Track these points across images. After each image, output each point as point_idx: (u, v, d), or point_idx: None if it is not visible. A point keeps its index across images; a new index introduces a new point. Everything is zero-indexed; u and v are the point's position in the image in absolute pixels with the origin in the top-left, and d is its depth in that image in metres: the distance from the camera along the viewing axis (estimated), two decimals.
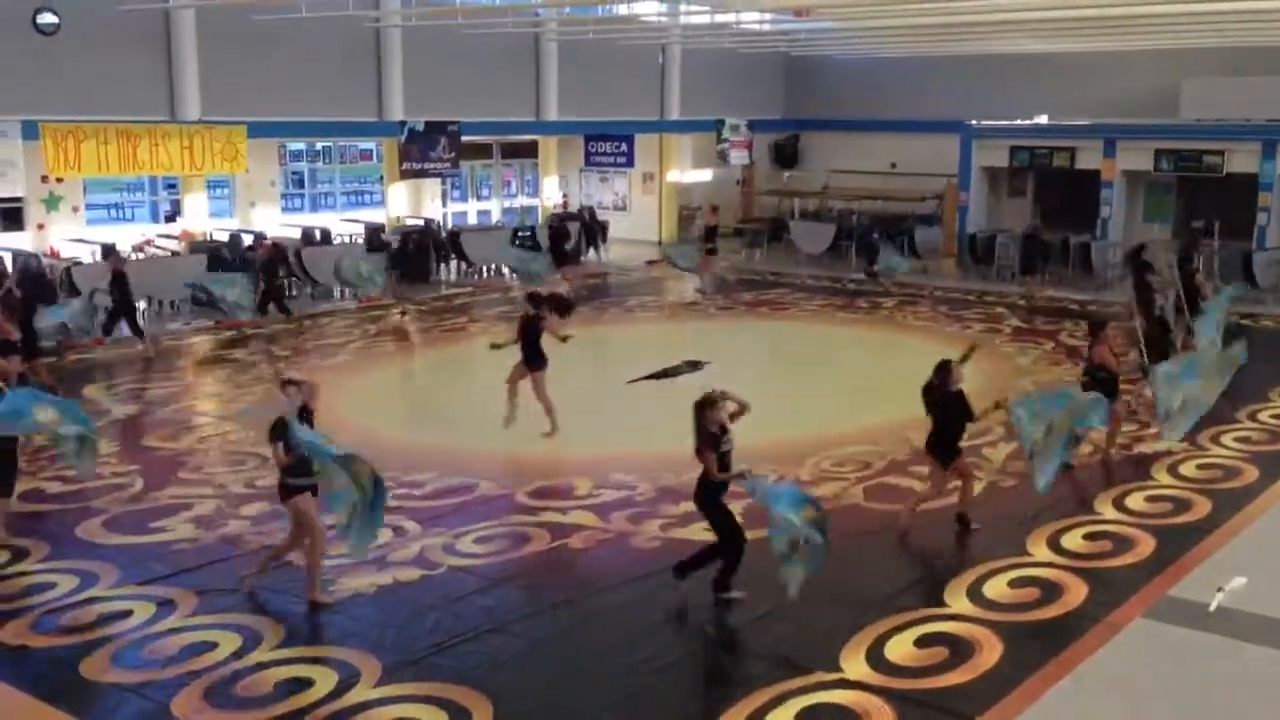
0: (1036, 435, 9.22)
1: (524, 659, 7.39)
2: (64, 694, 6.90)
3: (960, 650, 7.35)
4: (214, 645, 7.46)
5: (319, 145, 24.54)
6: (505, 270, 24.11)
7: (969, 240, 24.96)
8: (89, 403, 13.44)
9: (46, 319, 14.78)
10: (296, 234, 22.00)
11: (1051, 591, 8.25)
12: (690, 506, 9.93)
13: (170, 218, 22.20)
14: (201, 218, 21.51)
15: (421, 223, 24.21)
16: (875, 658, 7.24)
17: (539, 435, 12.02)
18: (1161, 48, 24.06)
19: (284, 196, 24.04)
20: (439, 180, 25.55)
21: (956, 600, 8.11)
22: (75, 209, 20.59)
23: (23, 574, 8.66)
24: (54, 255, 19.47)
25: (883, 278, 21.72)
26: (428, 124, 23.65)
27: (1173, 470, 10.99)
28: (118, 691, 6.92)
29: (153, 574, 8.62)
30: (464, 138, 24.54)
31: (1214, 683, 7.07)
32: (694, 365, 14.23)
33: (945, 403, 9.39)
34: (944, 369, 9.42)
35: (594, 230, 26.27)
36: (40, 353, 14.19)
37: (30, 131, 18.11)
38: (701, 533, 9.45)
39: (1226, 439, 11.94)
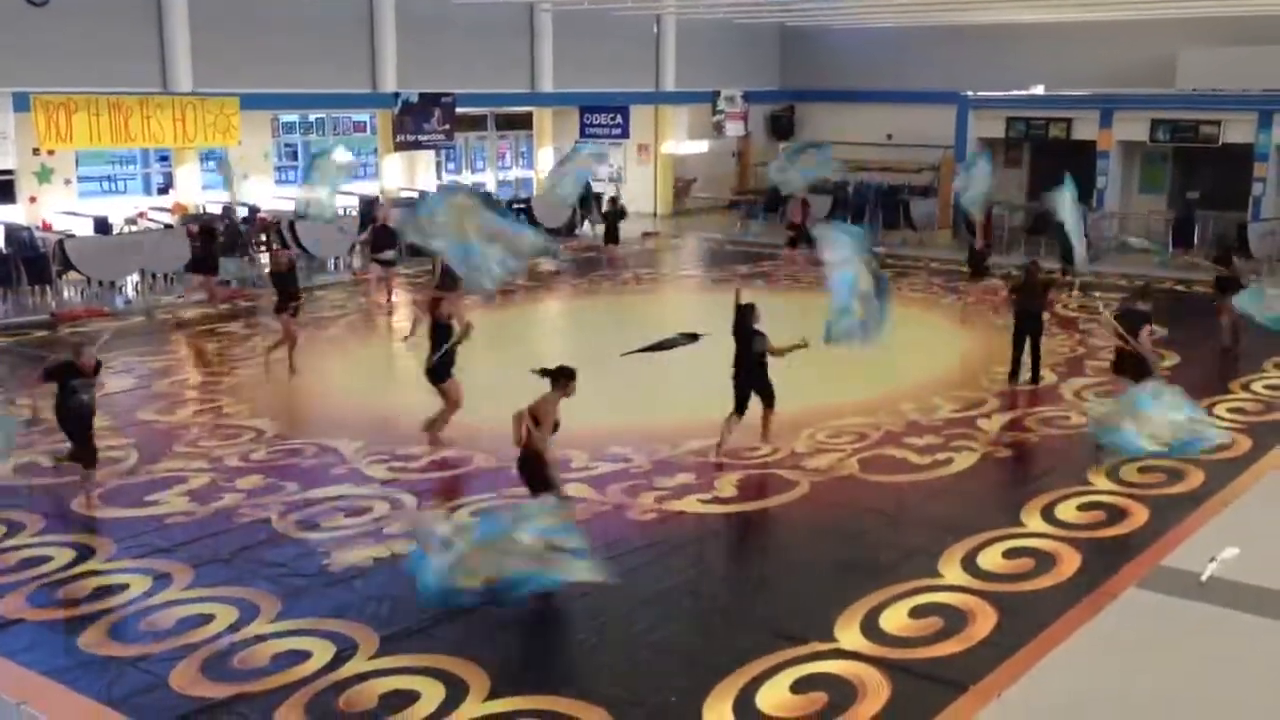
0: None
1: (520, 630, 7.42)
2: (61, 667, 6.91)
3: (954, 620, 7.38)
4: (211, 618, 7.48)
5: (312, 117, 24.42)
6: None
7: (964, 212, 24.89)
8: None
9: None
10: (290, 206, 21.92)
11: (1045, 562, 8.28)
12: (687, 479, 10.00)
13: (163, 190, 22.11)
14: (194, 190, 21.42)
15: (416, 195, 24.12)
16: (870, 628, 7.28)
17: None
18: (1158, 17, 23.97)
19: (277, 169, 23.95)
20: (433, 152, 25.46)
21: (951, 570, 8.14)
22: (67, 181, 20.50)
23: (18, 547, 8.67)
24: (46, 228, 19.41)
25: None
26: (422, 95, 23.53)
27: None
28: (115, 664, 6.94)
29: (149, 547, 8.64)
30: (458, 109, 24.42)
31: (1206, 652, 7.12)
32: (690, 337, 14.16)
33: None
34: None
35: (589, 203, 26.19)
36: None
37: (21, 103, 18.01)
38: (697, 504, 9.50)
39: (1220, 409, 11.95)
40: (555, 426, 8.14)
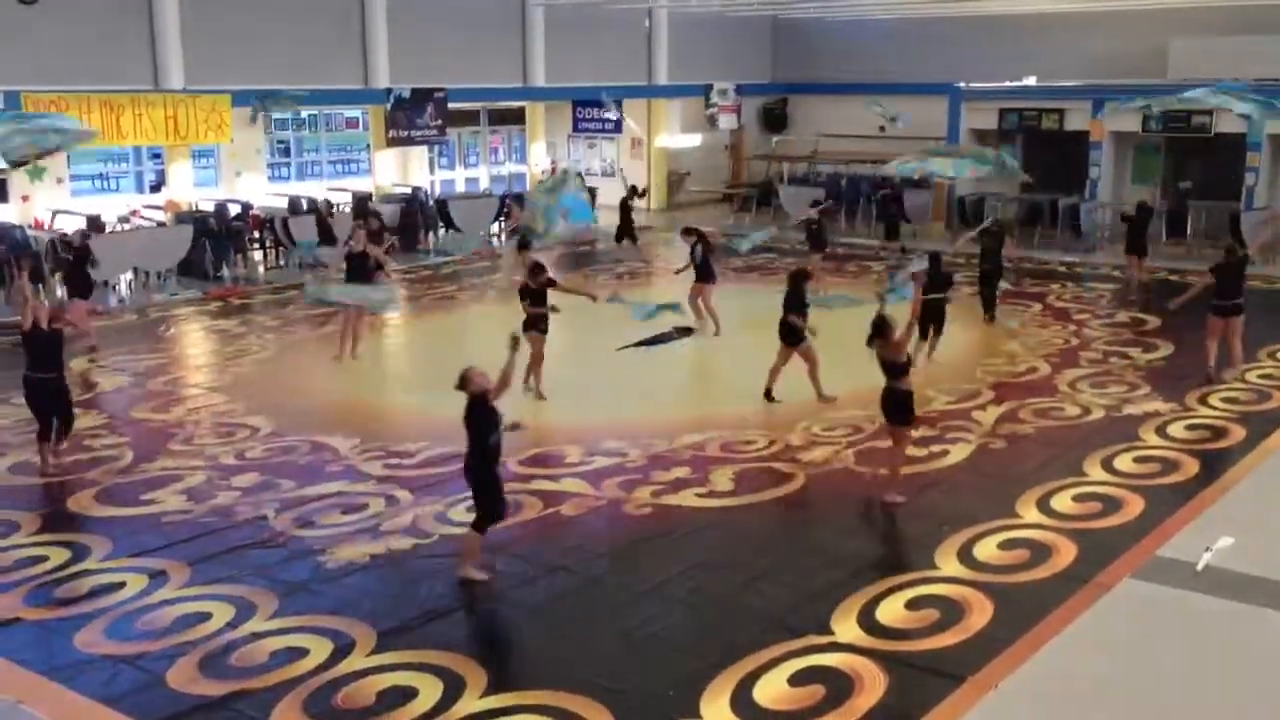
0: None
1: (517, 626, 7.43)
2: (58, 666, 6.92)
3: (951, 612, 7.40)
4: (208, 616, 7.48)
5: (305, 113, 24.36)
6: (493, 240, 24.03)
7: (958, 204, 24.94)
8: (74, 375, 13.43)
9: None
10: (283, 203, 21.92)
11: (1041, 553, 8.30)
12: (682, 473, 10.01)
13: (155, 188, 22.06)
14: (187, 188, 21.38)
15: (409, 191, 24.09)
16: (867, 620, 7.29)
17: (526, 402, 12.06)
18: (1149, 7, 23.97)
19: (270, 165, 23.89)
20: (426, 148, 25.41)
21: (947, 562, 8.16)
22: (59, 180, 20.45)
23: (15, 547, 8.66)
24: (39, 227, 19.37)
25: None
26: (414, 91, 23.49)
27: (1161, 431, 11.05)
28: (112, 663, 6.94)
29: (145, 546, 8.64)
30: (451, 105, 24.38)
31: (1201, 642, 7.15)
32: (684, 331, 14.14)
33: None
34: None
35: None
36: None
37: (12, 102, 17.94)
38: (693, 498, 9.51)
39: (1215, 399, 11.99)
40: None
